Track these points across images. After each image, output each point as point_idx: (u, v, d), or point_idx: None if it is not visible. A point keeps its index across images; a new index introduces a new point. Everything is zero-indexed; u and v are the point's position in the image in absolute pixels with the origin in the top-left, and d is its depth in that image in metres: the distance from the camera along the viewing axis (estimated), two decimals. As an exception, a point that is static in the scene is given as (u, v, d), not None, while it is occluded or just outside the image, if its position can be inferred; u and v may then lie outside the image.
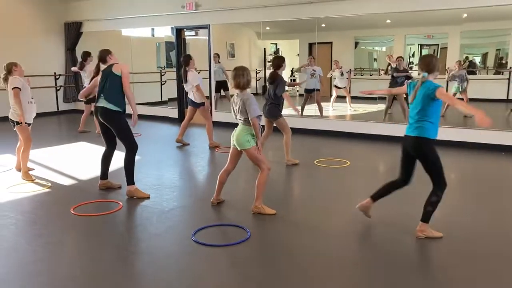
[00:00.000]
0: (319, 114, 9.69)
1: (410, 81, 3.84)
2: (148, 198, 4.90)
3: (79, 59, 11.69)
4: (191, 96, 7.60)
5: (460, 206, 4.72)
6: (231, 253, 3.60)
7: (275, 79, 6.18)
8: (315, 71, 9.72)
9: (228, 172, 4.60)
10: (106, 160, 5.16)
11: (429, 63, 3.64)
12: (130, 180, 4.92)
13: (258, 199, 4.39)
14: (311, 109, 9.79)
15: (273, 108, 6.22)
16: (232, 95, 4.48)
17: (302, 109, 9.68)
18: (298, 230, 4.09)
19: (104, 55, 4.98)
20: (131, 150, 4.89)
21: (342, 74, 10.43)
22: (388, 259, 3.45)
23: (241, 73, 4.26)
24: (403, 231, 3.95)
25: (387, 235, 3.92)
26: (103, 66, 4.99)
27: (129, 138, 4.88)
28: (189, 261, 3.46)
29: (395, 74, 8.95)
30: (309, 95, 9.83)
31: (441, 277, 3.20)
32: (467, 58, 10.18)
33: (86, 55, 8.89)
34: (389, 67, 9.68)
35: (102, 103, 4.81)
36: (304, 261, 3.46)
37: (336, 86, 10.57)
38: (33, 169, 6.02)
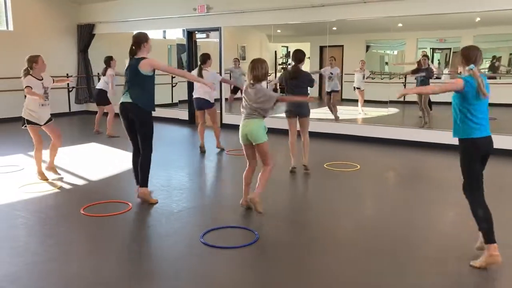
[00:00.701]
0: (332, 117, 9.66)
1: (463, 76, 3.31)
2: (157, 203, 4.83)
3: (91, 61, 11.81)
4: (203, 95, 7.26)
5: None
6: (239, 255, 3.60)
7: (300, 74, 5.89)
8: (332, 74, 9.71)
9: (253, 170, 4.57)
10: (137, 161, 4.86)
11: (473, 53, 3.30)
12: (146, 182, 4.81)
13: (259, 193, 4.36)
14: (321, 112, 9.78)
15: (306, 105, 5.93)
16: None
17: (330, 109, 9.69)
18: (306, 232, 4.07)
19: (139, 41, 4.67)
20: (150, 151, 4.75)
21: (364, 77, 10.40)
22: (399, 264, 3.43)
23: (259, 65, 4.28)
24: (409, 234, 3.92)
25: (395, 238, 3.88)
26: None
27: (151, 140, 4.75)
28: (197, 263, 3.46)
29: (418, 74, 8.88)
30: (330, 96, 9.83)
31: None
32: (494, 57, 9.95)
33: (109, 59, 8.91)
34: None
35: (130, 99, 4.60)
36: (313, 263, 3.44)
37: (358, 88, 10.50)
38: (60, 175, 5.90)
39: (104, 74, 8.97)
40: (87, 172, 6.13)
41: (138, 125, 4.66)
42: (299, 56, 5.95)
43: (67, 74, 11.98)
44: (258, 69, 4.26)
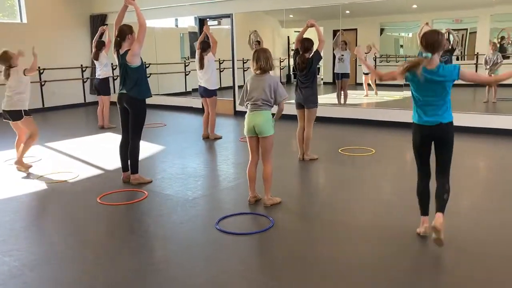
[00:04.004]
0: (342, 101, 9.60)
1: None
2: (151, 182, 5.10)
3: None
4: (204, 83, 7.39)
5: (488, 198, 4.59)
6: (254, 241, 3.60)
7: (309, 65, 5.64)
8: (343, 55, 9.61)
9: (256, 164, 4.35)
10: (125, 150, 5.12)
11: (431, 39, 3.23)
12: (136, 169, 5.09)
13: (269, 191, 4.29)
14: (331, 97, 9.69)
15: (311, 96, 5.71)
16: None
17: (338, 96, 9.62)
18: (322, 218, 4.06)
19: (124, 34, 4.79)
20: (138, 139, 5.00)
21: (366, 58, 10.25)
22: (409, 257, 3.40)
23: (262, 55, 4.07)
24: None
25: (411, 223, 3.84)
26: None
27: (141, 129, 5.00)
28: (213, 249, 3.48)
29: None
30: (340, 81, 9.73)
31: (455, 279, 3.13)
32: (503, 38, 9.69)
33: (101, 44, 8.62)
34: None
35: (125, 91, 4.86)
36: (328, 250, 3.43)
37: (364, 73, 10.39)
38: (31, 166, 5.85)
39: (96, 59, 8.61)
40: (103, 161, 6.19)
41: (131, 113, 4.90)
42: (306, 45, 5.66)
43: (82, 65, 12.08)
44: (262, 60, 4.05)
